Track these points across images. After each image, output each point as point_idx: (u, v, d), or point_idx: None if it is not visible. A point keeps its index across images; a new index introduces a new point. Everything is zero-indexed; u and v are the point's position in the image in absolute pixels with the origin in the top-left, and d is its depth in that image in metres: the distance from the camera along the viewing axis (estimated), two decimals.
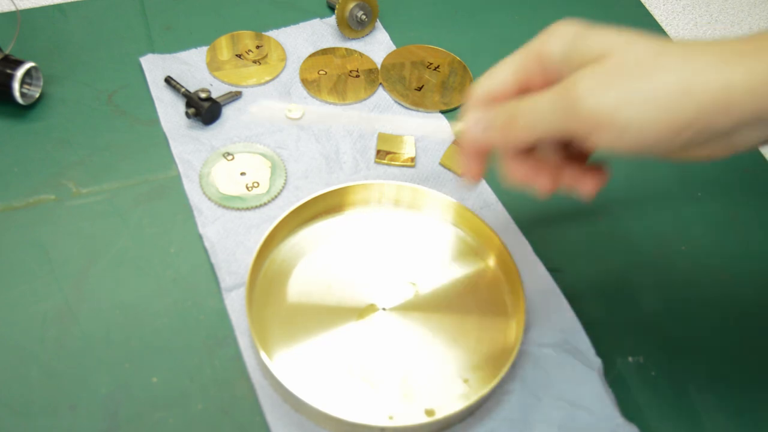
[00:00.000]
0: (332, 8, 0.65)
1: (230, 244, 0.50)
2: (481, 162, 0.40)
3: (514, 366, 0.45)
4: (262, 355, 0.42)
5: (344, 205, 0.52)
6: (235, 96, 0.58)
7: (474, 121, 0.38)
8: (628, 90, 0.33)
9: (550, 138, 0.36)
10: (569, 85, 0.34)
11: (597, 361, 0.46)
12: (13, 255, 0.48)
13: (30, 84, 0.56)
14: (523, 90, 0.38)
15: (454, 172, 0.55)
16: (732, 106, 0.32)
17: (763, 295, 0.51)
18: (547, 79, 0.37)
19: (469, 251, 0.51)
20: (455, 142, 0.57)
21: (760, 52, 0.32)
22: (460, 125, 0.39)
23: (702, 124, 0.33)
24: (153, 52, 0.61)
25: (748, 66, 0.32)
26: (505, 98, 0.38)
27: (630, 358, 0.47)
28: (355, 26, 0.63)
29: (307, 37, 0.63)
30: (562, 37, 0.36)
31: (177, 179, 0.53)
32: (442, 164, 0.55)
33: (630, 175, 0.57)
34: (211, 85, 0.59)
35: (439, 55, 0.63)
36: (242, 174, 0.53)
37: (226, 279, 0.48)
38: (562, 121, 0.34)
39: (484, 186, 0.54)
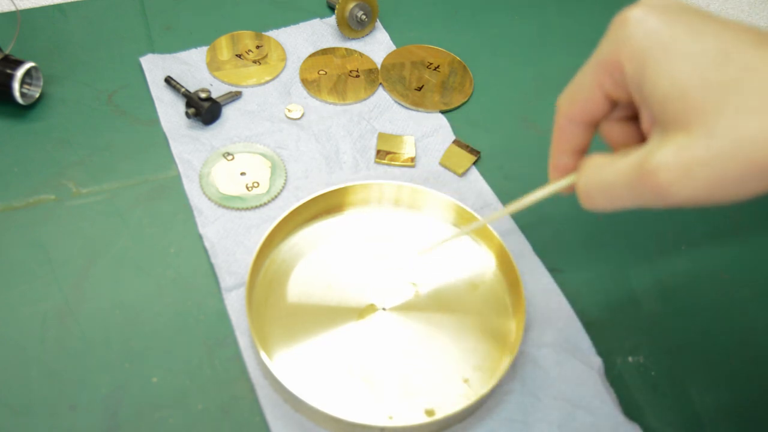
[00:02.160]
0: (332, 8, 0.65)
1: (230, 244, 0.50)
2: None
3: (514, 366, 0.45)
4: (262, 355, 0.42)
5: (344, 205, 0.52)
6: (235, 96, 0.58)
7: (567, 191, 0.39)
8: (708, 179, 0.29)
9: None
10: (642, 175, 0.30)
11: (597, 361, 0.46)
12: (13, 255, 0.48)
13: (30, 84, 0.56)
14: (609, 98, 0.35)
15: (454, 172, 0.55)
16: None
17: (762, 295, 0.51)
18: (626, 89, 0.33)
19: (469, 251, 0.51)
20: (455, 142, 0.57)
21: None
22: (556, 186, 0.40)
23: None
24: (153, 52, 0.61)
25: None
26: (596, 113, 0.36)
27: (630, 358, 0.47)
28: (355, 26, 0.63)
29: (307, 37, 0.63)
30: (635, 58, 0.31)
31: (177, 179, 0.53)
32: (442, 164, 0.55)
33: None
34: (211, 85, 0.59)
35: (439, 55, 0.63)
36: (242, 174, 0.53)
37: (226, 279, 0.48)
38: (641, 200, 0.32)
39: (484, 186, 0.54)
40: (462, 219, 0.51)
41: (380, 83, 0.61)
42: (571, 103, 0.36)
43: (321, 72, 0.61)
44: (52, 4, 0.64)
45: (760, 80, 0.28)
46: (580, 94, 0.35)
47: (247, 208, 0.52)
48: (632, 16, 0.31)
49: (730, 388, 0.46)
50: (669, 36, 0.30)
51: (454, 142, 0.57)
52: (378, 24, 0.65)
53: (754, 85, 0.28)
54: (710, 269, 0.52)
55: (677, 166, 0.29)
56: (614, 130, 0.37)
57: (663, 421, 0.45)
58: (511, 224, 0.53)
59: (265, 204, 0.52)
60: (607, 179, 0.33)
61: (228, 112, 0.57)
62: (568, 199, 0.55)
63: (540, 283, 0.49)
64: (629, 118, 0.36)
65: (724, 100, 0.29)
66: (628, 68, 0.32)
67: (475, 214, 0.50)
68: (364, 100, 0.59)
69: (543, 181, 0.56)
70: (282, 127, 0.57)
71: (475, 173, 0.55)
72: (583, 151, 0.38)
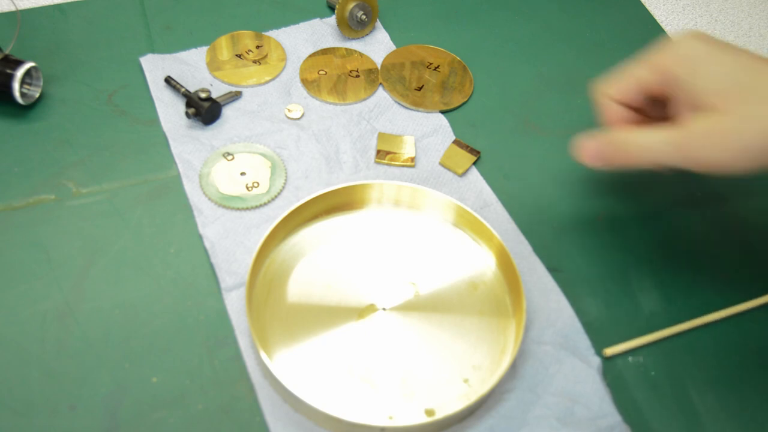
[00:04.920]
0: (332, 8, 0.65)
1: (230, 244, 0.50)
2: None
3: (514, 365, 0.45)
4: (262, 355, 0.42)
5: (344, 205, 0.52)
6: (235, 96, 0.58)
7: (589, 152, 0.46)
8: (734, 148, 0.40)
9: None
10: (684, 137, 0.41)
11: (596, 360, 0.46)
12: (13, 255, 0.48)
13: (30, 84, 0.56)
14: (642, 93, 0.46)
15: (454, 172, 0.55)
16: None
17: (762, 295, 0.51)
18: (664, 90, 0.44)
19: (469, 251, 0.51)
20: (455, 142, 0.57)
21: None
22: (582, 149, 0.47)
23: None
24: (153, 52, 0.61)
25: None
26: (628, 101, 0.46)
27: (630, 358, 0.47)
28: (355, 26, 0.63)
29: (307, 37, 0.63)
30: (685, 64, 0.42)
31: (177, 179, 0.53)
32: (442, 164, 0.55)
33: (630, 175, 0.57)
34: (211, 85, 0.59)
35: (439, 55, 0.63)
36: (242, 174, 0.53)
37: (226, 279, 0.48)
38: (672, 161, 0.42)
39: (484, 186, 0.54)
40: (462, 219, 0.51)
41: (380, 83, 0.61)
42: (613, 87, 0.47)
43: (321, 72, 0.61)
44: (52, 4, 0.64)
45: None
46: (624, 84, 0.46)
47: (247, 208, 0.52)
48: (678, 37, 0.44)
49: (730, 388, 0.46)
50: (707, 51, 0.42)
51: (454, 142, 0.57)
52: (378, 24, 0.65)
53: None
54: (710, 269, 0.52)
55: (714, 132, 0.40)
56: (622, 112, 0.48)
57: (663, 421, 0.45)
58: (511, 224, 0.53)
59: (265, 204, 0.52)
60: (648, 137, 0.43)
61: (228, 112, 0.57)
62: (568, 199, 0.55)
63: (540, 283, 0.49)
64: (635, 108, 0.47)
65: (750, 95, 0.40)
66: (677, 70, 0.42)
67: (475, 214, 0.50)
68: (364, 100, 0.59)
69: (543, 180, 0.56)
70: (282, 127, 0.57)
71: (475, 173, 0.55)
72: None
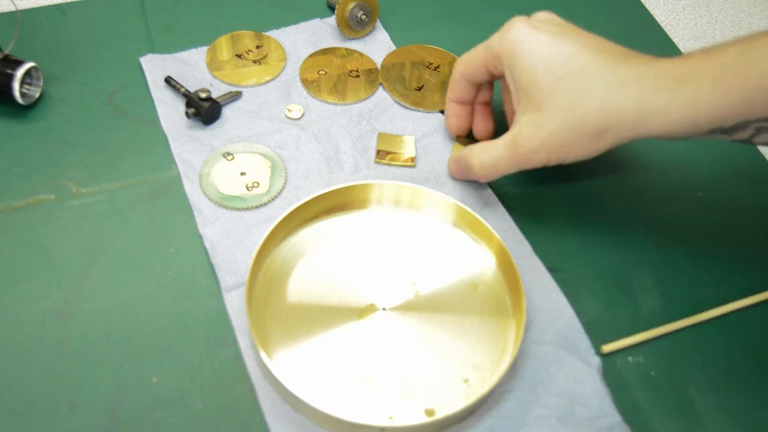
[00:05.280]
0: (332, 8, 0.65)
1: (230, 244, 0.50)
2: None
3: (514, 365, 0.45)
4: (262, 355, 0.42)
5: (344, 205, 0.52)
6: (235, 96, 0.58)
7: (453, 167, 0.53)
8: (554, 130, 0.43)
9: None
10: (513, 143, 0.46)
11: (596, 360, 0.46)
12: (13, 255, 0.48)
13: (30, 84, 0.56)
14: (487, 74, 0.49)
15: None
16: (643, 131, 0.41)
17: (762, 295, 0.51)
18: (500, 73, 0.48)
19: (469, 251, 0.51)
20: (458, 139, 0.57)
21: (676, 90, 0.39)
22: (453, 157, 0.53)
23: (616, 142, 0.42)
24: (153, 52, 0.61)
25: (666, 97, 0.39)
26: (480, 79, 0.50)
27: (630, 358, 0.47)
28: (355, 26, 0.63)
29: (307, 37, 0.63)
30: (508, 50, 0.45)
31: (177, 179, 0.53)
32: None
33: (630, 175, 0.57)
34: (211, 85, 0.59)
35: (439, 55, 0.63)
36: (242, 174, 0.53)
37: (226, 279, 0.48)
38: (515, 167, 0.47)
39: (484, 185, 0.54)
40: (462, 219, 0.51)
41: (380, 83, 0.61)
42: (466, 66, 0.50)
43: (321, 72, 0.61)
44: (52, 4, 0.64)
45: (591, 75, 0.41)
46: (473, 64, 0.49)
47: (247, 208, 0.52)
48: (515, 23, 0.45)
49: (730, 388, 0.46)
50: (535, 42, 0.43)
51: (457, 139, 0.57)
52: (378, 24, 0.65)
53: (586, 78, 0.41)
54: (710, 269, 0.52)
55: (535, 139, 0.43)
56: (508, 103, 0.52)
57: (663, 421, 0.45)
58: (511, 224, 0.53)
59: (265, 204, 0.52)
60: (494, 155, 0.47)
61: (228, 112, 0.57)
62: (568, 199, 0.55)
63: (540, 283, 0.49)
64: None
65: (564, 86, 0.41)
66: (505, 61, 0.45)
67: (475, 214, 0.50)
68: (364, 100, 0.59)
69: (542, 179, 0.56)
70: (282, 127, 0.57)
71: None
72: (469, 103, 0.53)
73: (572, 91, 0.41)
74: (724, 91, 0.38)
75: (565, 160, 0.45)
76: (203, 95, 0.55)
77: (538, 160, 0.45)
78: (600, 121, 0.41)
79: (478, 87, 0.52)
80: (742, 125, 0.41)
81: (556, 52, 0.42)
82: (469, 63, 0.49)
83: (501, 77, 0.49)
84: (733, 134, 0.43)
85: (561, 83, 0.41)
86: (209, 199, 0.52)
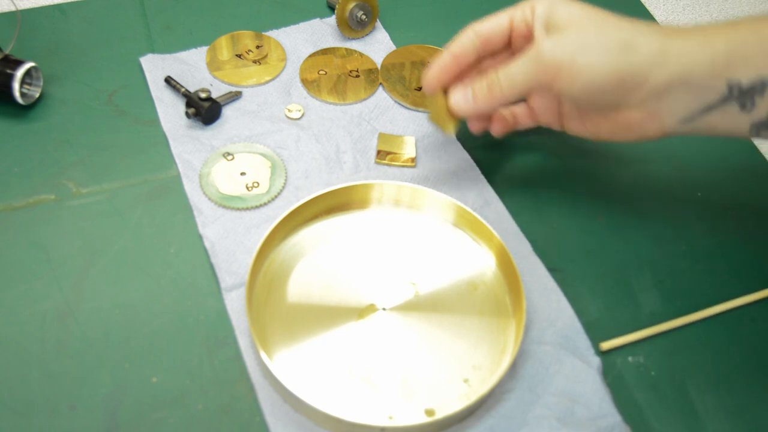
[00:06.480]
0: (332, 8, 0.65)
1: (230, 244, 0.50)
2: (483, 120, 0.53)
3: (514, 365, 0.45)
4: (262, 355, 0.42)
5: (344, 205, 0.52)
6: (235, 96, 0.58)
7: (462, 97, 0.49)
8: (581, 42, 0.44)
9: (527, 92, 0.48)
10: (537, 45, 0.45)
11: (596, 360, 0.46)
12: (13, 255, 0.48)
13: (30, 84, 0.56)
14: (505, 34, 0.49)
15: (444, 129, 0.52)
16: (666, 65, 0.43)
17: (763, 293, 0.51)
18: (526, 35, 0.48)
19: (469, 251, 0.51)
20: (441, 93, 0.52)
21: (693, 34, 0.43)
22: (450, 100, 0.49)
23: (641, 76, 0.43)
24: (153, 52, 0.61)
25: (684, 38, 0.43)
26: (495, 35, 0.49)
27: (630, 358, 0.47)
28: (355, 26, 0.63)
29: (307, 37, 0.63)
30: (542, 6, 0.46)
31: (177, 179, 0.53)
32: (430, 120, 0.53)
33: (630, 175, 0.57)
34: (211, 85, 0.59)
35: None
36: (242, 174, 0.53)
37: (226, 279, 0.48)
38: (534, 73, 0.45)
39: (484, 185, 0.54)
40: (462, 219, 0.51)
41: (380, 83, 0.61)
42: (484, 22, 0.49)
43: (321, 72, 0.61)
44: (52, 4, 0.64)
45: (617, 21, 0.45)
46: (494, 20, 0.49)
47: (247, 208, 0.52)
48: None
49: (730, 388, 0.46)
50: (564, 2, 0.46)
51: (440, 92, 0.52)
52: (378, 24, 0.65)
53: (613, 22, 0.45)
54: (710, 269, 0.52)
55: (554, 37, 0.44)
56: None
57: (663, 421, 0.45)
58: (511, 224, 0.53)
59: (265, 204, 0.52)
60: (511, 70, 0.46)
61: (228, 112, 0.57)
62: (568, 199, 0.55)
63: (540, 283, 0.49)
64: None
65: (594, 23, 0.44)
66: (539, 9, 0.46)
67: (475, 214, 0.50)
68: (364, 100, 0.59)
69: (542, 179, 0.56)
70: (282, 127, 0.57)
71: (475, 172, 0.55)
72: (465, 65, 0.50)
73: (601, 23, 0.45)
74: (739, 36, 0.42)
75: (586, 91, 0.45)
76: (203, 95, 0.55)
77: (562, 78, 0.44)
78: (625, 40, 0.44)
79: (480, 55, 0.50)
80: (761, 87, 0.42)
81: (586, 13, 0.45)
82: (488, 20, 0.49)
83: (505, 51, 0.50)
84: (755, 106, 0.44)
85: (592, 21, 0.44)
86: (209, 199, 0.52)
